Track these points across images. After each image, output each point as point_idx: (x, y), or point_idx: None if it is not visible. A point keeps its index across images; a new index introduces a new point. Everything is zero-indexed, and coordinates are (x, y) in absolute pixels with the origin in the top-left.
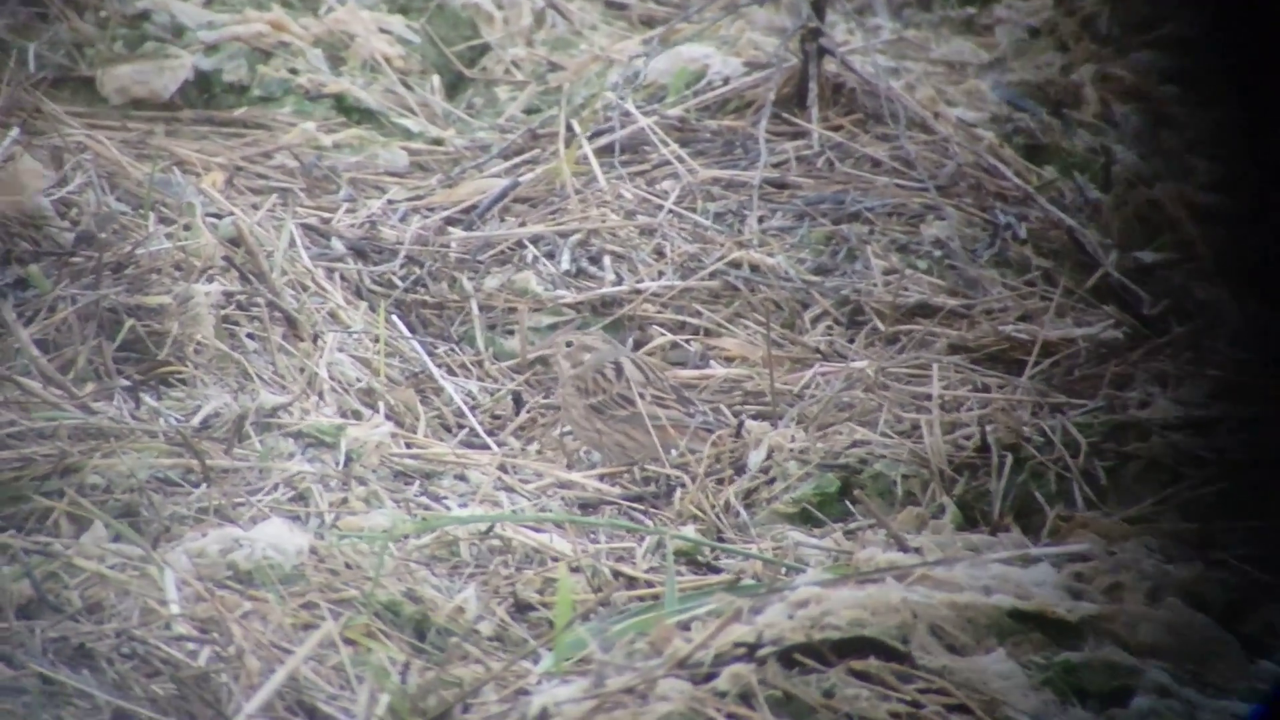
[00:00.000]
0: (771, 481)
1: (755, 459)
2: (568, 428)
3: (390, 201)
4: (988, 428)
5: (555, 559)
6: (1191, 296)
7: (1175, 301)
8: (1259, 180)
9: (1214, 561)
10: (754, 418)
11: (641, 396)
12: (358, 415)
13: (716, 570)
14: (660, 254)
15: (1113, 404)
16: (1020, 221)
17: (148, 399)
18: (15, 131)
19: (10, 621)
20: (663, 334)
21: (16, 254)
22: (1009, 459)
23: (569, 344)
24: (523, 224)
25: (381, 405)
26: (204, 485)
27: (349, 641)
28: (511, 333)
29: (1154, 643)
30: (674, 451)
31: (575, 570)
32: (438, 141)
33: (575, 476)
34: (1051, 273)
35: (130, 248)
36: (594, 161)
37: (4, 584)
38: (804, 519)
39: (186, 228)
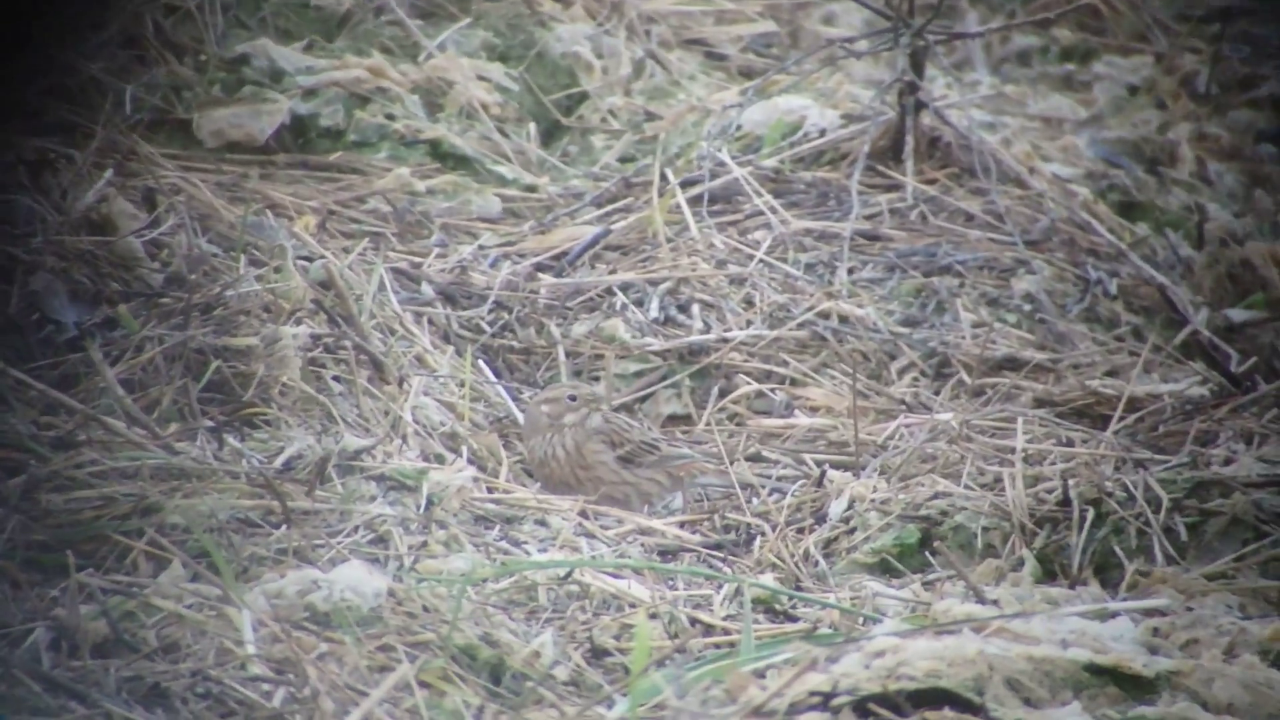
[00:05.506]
0: (852, 531)
1: (836, 509)
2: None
3: (482, 247)
4: (1070, 482)
5: (633, 605)
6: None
7: (1263, 359)
8: None
9: None
10: (837, 468)
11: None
12: (440, 459)
13: (794, 619)
14: (749, 303)
15: (1196, 460)
16: (1111, 278)
17: (231, 440)
18: (109, 173)
19: (86, 660)
20: (749, 383)
21: (106, 294)
22: (1090, 513)
23: (571, 398)
24: (613, 271)
25: (465, 450)
26: (284, 527)
27: (424, 684)
28: (598, 379)
29: (1230, 699)
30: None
31: (653, 617)
32: (531, 188)
33: (655, 523)
34: (1141, 329)
35: (220, 289)
36: (687, 210)
37: (81, 622)
38: (883, 569)
39: (277, 270)
